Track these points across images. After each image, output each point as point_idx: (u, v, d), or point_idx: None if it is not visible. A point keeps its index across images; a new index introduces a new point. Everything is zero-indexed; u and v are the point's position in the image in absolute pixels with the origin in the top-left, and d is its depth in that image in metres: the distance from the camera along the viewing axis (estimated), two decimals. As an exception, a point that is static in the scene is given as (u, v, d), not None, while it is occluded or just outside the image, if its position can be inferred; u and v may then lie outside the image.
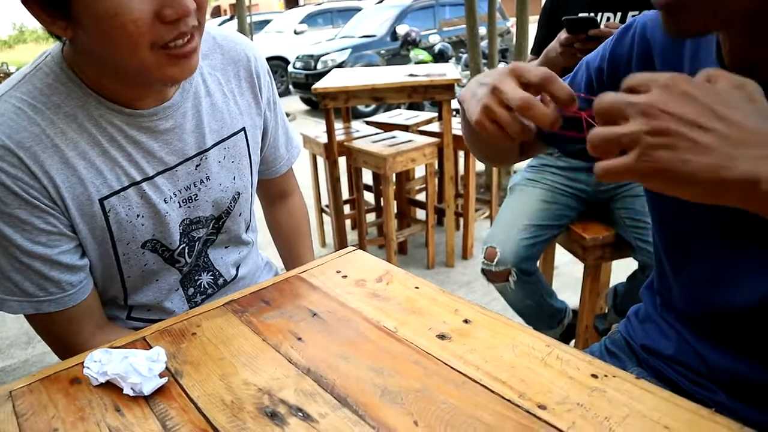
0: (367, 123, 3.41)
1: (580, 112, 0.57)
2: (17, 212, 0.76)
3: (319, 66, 7.69)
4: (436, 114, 3.34)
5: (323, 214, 3.32)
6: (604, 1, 1.61)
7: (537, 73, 0.59)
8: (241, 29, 7.97)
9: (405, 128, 3.14)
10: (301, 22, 10.67)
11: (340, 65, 7.50)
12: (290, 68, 8.40)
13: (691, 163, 0.44)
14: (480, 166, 3.70)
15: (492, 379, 0.63)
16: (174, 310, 0.98)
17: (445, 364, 0.67)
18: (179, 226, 0.91)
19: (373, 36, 8.07)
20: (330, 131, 2.78)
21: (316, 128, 3.32)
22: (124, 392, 0.66)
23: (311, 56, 7.96)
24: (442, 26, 8.24)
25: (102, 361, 0.68)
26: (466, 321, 0.75)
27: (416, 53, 6.83)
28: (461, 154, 3.04)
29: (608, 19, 1.60)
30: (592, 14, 1.50)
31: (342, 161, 2.91)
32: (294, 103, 8.81)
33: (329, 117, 2.76)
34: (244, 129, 0.98)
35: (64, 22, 0.71)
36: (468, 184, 2.92)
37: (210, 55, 0.95)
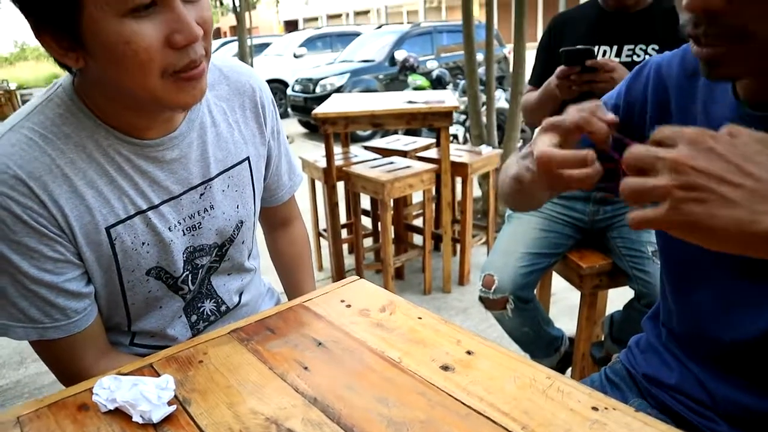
0: (366, 148, 3.45)
1: (612, 158, 0.61)
2: (25, 240, 0.77)
3: (318, 90, 7.77)
4: (434, 140, 3.38)
5: (321, 238, 3.33)
6: (601, 34, 1.66)
7: (571, 119, 0.64)
8: (241, 52, 8.08)
9: (403, 154, 3.18)
10: (301, 46, 10.80)
11: (339, 89, 7.58)
12: (289, 91, 8.48)
13: (720, 218, 0.47)
14: (477, 192, 3.73)
15: (495, 410, 0.65)
16: (177, 337, 0.99)
17: (449, 395, 0.68)
18: (183, 253, 0.93)
19: (372, 61, 8.18)
20: (329, 156, 2.81)
21: (315, 151, 3.35)
22: (133, 420, 0.67)
23: (310, 80, 8.04)
24: (440, 52, 8.35)
25: (111, 388, 0.69)
26: (468, 352, 0.76)
27: (414, 78, 6.92)
28: (458, 180, 3.08)
29: (605, 52, 1.65)
30: (588, 46, 1.54)
31: (340, 186, 2.94)
32: (292, 126, 8.88)
33: (329, 142, 2.79)
34: (248, 158, 1.00)
35: (75, 53, 0.73)
36: (465, 210, 2.95)
37: (216, 86, 0.97)
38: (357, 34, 10.48)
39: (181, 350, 0.82)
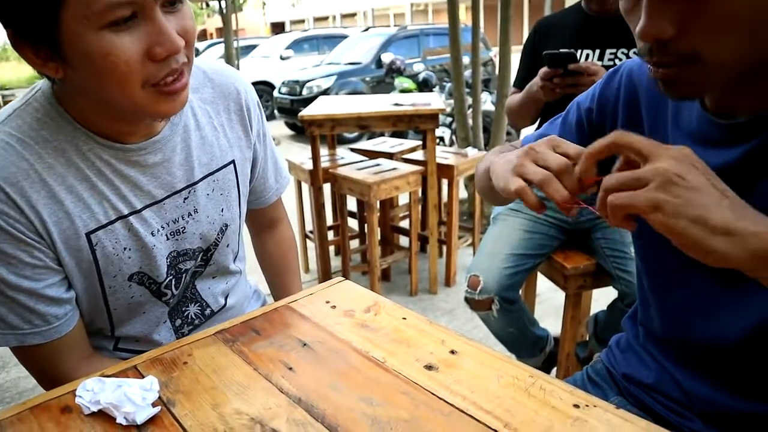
0: (352, 150, 3.46)
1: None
2: (3, 246, 0.76)
3: (305, 92, 7.77)
4: (420, 142, 3.39)
5: (307, 240, 3.33)
6: (583, 38, 1.68)
7: (575, 149, 0.66)
8: (227, 54, 8.04)
9: (389, 156, 3.19)
10: (287, 48, 10.79)
11: (326, 91, 7.58)
12: (275, 93, 8.47)
13: (716, 215, 0.52)
14: (463, 194, 3.75)
15: (478, 409, 0.65)
16: (161, 342, 0.98)
17: (433, 394, 0.69)
18: (166, 258, 0.92)
19: (359, 63, 8.19)
20: (315, 158, 2.81)
21: (301, 153, 3.36)
22: (116, 421, 0.66)
23: (297, 82, 8.04)
24: (426, 55, 8.39)
25: (95, 390, 0.69)
26: (452, 352, 0.77)
27: (401, 81, 6.93)
28: (445, 182, 3.09)
29: (587, 56, 1.67)
30: (571, 50, 1.56)
31: (327, 188, 2.94)
32: (279, 128, 8.86)
33: (315, 144, 2.79)
34: (233, 162, 1.00)
35: (54, 63, 0.72)
36: (451, 212, 2.96)
37: (200, 88, 0.96)
38: (344, 37, 10.49)
39: (165, 352, 0.82)
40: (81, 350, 0.89)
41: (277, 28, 35.18)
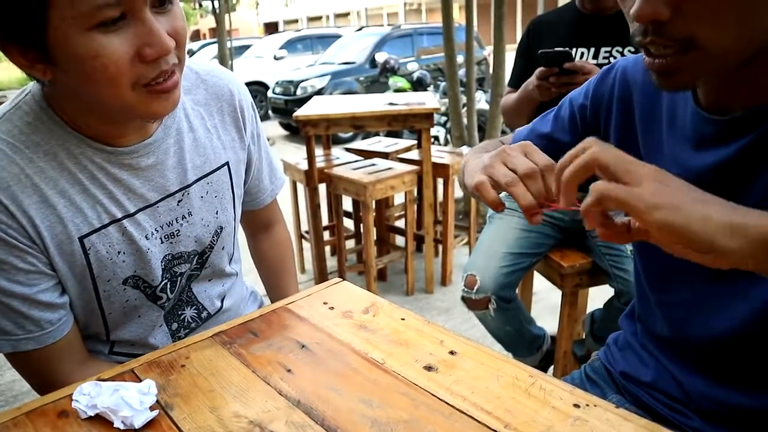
0: (347, 150, 3.45)
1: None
2: None
3: (299, 92, 7.75)
4: (415, 142, 3.39)
5: (303, 241, 3.32)
6: (578, 37, 1.68)
7: (544, 160, 0.66)
8: (221, 54, 8.02)
9: (385, 155, 3.19)
10: (281, 48, 10.76)
11: (320, 91, 7.56)
12: (269, 93, 8.44)
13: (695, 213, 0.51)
14: (458, 193, 3.75)
15: (478, 409, 0.65)
16: (158, 346, 0.97)
17: (433, 395, 0.68)
18: (161, 262, 0.91)
19: (353, 63, 8.18)
20: (310, 158, 2.81)
21: (296, 153, 3.35)
22: (114, 426, 0.66)
23: (291, 82, 8.02)
24: (420, 54, 8.38)
25: (91, 394, 0.68)
26: (451, 352, 0.77)
27: (395, 80, 6.93)
28: (440, 181, 3.09)
29: (582, 54, 1.67)
30: (567, 48, 1.56)
31: (322, 188, 2.93)
32: (273, 128, 8.84)
33: (310, 144, 2.78)
34: (227, 164, 0.99)
35: (42, 65, 0.71)
36: (447, 211, 2.96)
37: (193, 90, 0.95)
38: (337, 36, 10.47)
39: (162, 355, 0.81)
40: (76, 355, 0.88)
41: (271, 28, 35.11)
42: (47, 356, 0.84)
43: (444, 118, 5.57)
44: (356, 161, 3.01)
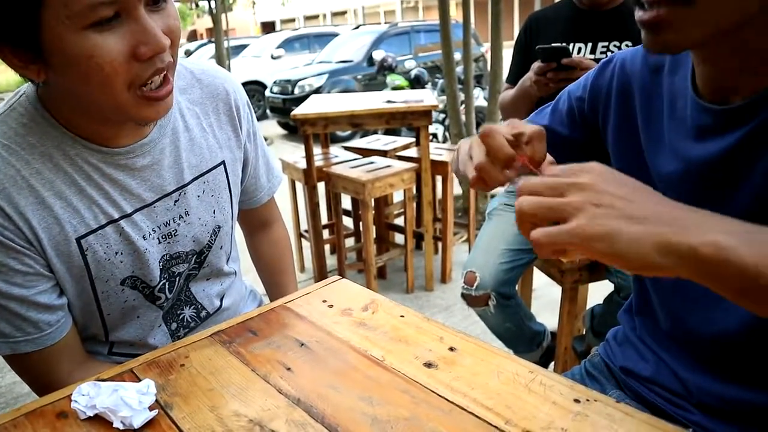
0: (346, 148, 3.45)
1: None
2: None
3: (297, 91, 7.74)
4: (413, 139, 3.39)
5: (302, 239, 3.32)
6: (576, 32, 1.68)
7: (531, 128, 0.65)
8: (218, 54, 8.01)
9: (383, 153, 3.18)
10: (278, 47, 10.75)
11: (317, 90, 7.55)
12: (267, 93, 8.44)
13: (630, 231, 0.50)
14: (457, 190, 3.75)
15: (479, 405, 0.65)
16: (157, 346, 0.97)
17: (433, 392, 0.68)
18: (159, 262, 0.91)
19: (350, 61, 8.16)
20: (309, 157, 2.80)
21: (294, 153, 3.34)
22: (113, 426, 0.66)
23: (288, 81, 8.01)
24: (418, 52, 8.37)
25: (90, 395, 0.68)
26: (451, 349, 0.77)
27: (393, 78, 6.92)
28: (439, 178, 3.09)
29: (579, 49, 1.67)
30: (564, 44, 1.56)
31: (321, 186, 2.93)
32: (271, 127, 8.83)
33: (308, 143, 2.78)
34: (223, 162, 0.99)
35: (36, 66, 0.71)
36: (446, 209, 2.96)
37: (188, 89, 0.95)
38: (335, 35, 10.46)
39: (162, 354, 0.81)
40: (75, 356, 0.88)
41: (268, 27, 35.07)
42: (46, 358, 0.84)
43: (442, 116, 5.56)
44: (355, 159, 3.01)
